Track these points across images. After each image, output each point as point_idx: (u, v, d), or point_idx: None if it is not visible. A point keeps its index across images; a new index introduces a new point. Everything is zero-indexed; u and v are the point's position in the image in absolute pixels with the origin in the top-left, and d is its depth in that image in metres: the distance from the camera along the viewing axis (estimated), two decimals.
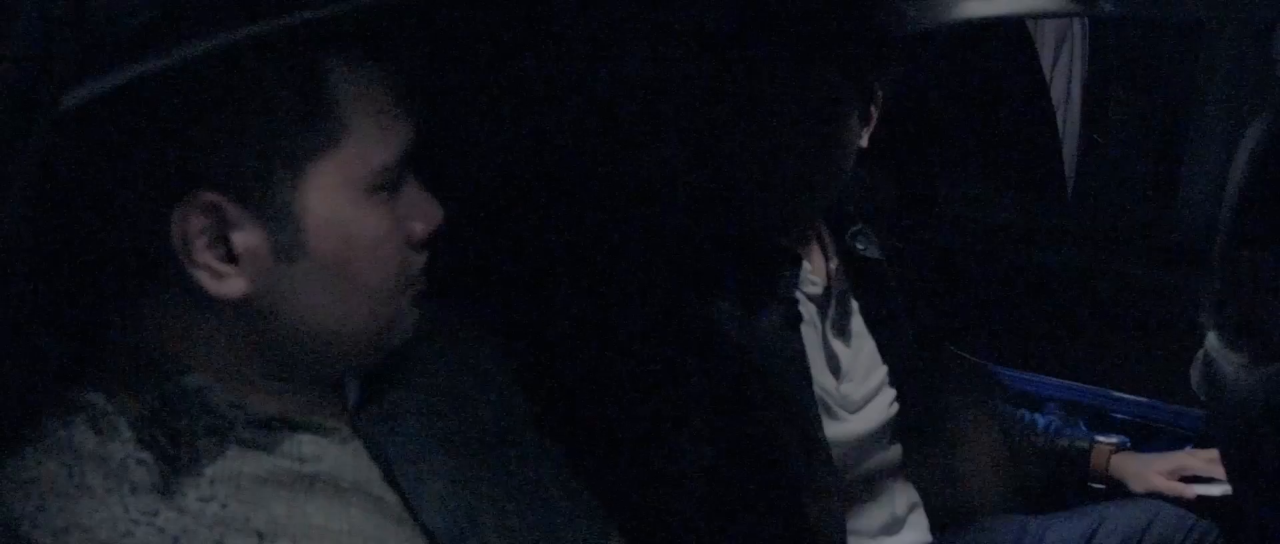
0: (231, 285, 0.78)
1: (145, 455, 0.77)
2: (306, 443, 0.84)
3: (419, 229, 0.85)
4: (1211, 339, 1.33)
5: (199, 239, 0.77)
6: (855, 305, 1.53)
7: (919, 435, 1.57)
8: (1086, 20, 3.52)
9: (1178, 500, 1.64)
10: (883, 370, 1.54)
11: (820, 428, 1.41)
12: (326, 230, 0.79)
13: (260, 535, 0.79)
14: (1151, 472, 1.68)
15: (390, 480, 0.88)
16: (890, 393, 1.54)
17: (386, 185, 0.82)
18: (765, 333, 1.38)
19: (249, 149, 0.76)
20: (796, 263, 1.44)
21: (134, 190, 0.76)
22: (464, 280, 0.94)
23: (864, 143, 1.43)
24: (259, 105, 0.76)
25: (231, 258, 0.78)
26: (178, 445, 0.78)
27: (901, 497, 1.53)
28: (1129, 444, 1.74)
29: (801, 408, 1.40)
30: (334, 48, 0.78)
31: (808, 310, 1.45)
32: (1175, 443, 1.78)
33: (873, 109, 1.43)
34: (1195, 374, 1.43)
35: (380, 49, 0.82)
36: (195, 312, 0.80)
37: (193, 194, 0.75)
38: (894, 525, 1.52)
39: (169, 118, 0.74)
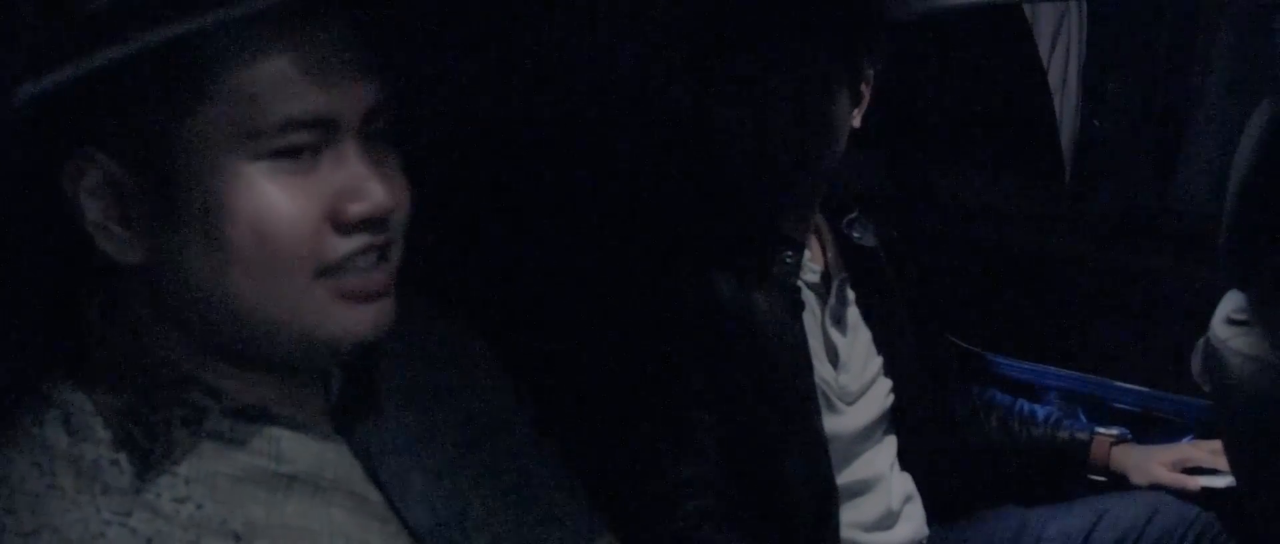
0: (124, 250, 0.76)
1: (119, 455, 0.76)
2: (285, 440, 0.82)
3: (351, 210, 0.77)
4: (1216, 329, 1.31)
5: (93, 199, 0.75)
6: (852, 295, 1.52)
7: (915, 426, 1.56)
8: (1084, 4, 3.51)
9: (1180, 492, 1.62)
10: (879, 361, 1.54)
11: (820, 418, 1.40)
12: (201, 194, 0.74)
13: (237, 537, 0.78)
14: (1153, 463, 1.67)
15: (373, 478, 0.86)
16: (887, 383, 1.53)
17: (287, 152, 0.76)
18: (767, 321, 1.37)
19: (125, 109, 0.73)
20: (798, 250, 1.43)
21: (32, 155, 0.75)
22: (455, 268, 0.91)
23: (856, 123, 1.43)
24: (124, 57, 0.71)
25: (128, 223, 0.76)
26: (154, 439, 0.76)
27: (897, 489, 1.52)
28: (1130, 435, 1.73)
29: (801, 398, 1.39)
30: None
31: (807, 299, 1.45)
32: (1176, 434, 1.77)
33: (864, 88, 1.43)
34: (1196, 364, 1.42)
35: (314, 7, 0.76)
36: (145, 294, 0.78)
37: (79, 150, 0.74)
38: (890, 518, 1.51)
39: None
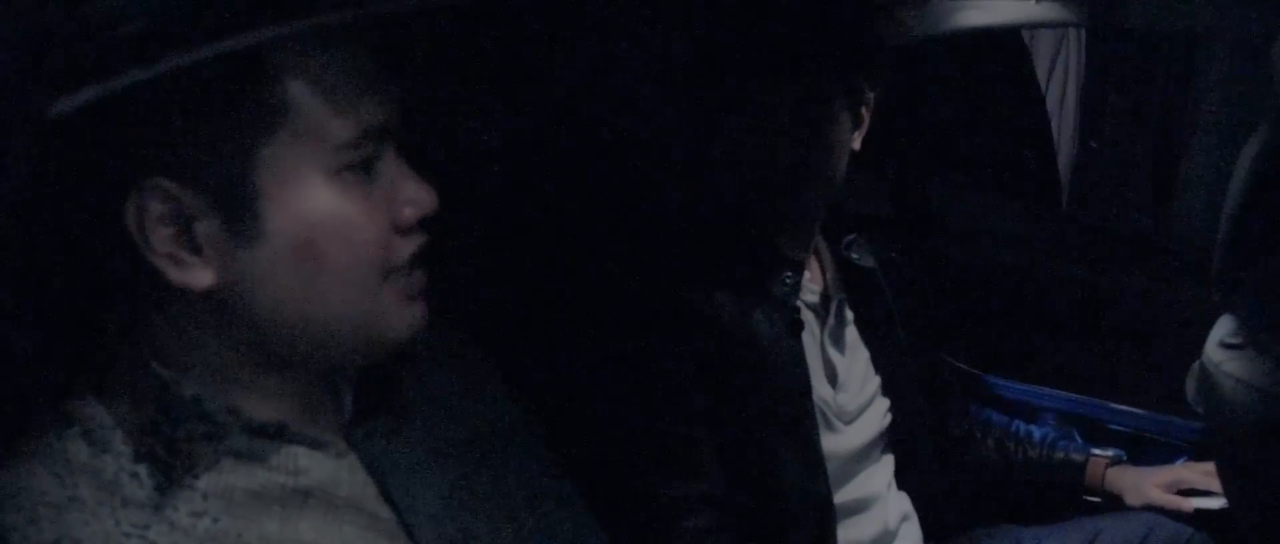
0: (196, 276, 0.77)
1: (139, 469, 0.77)
2: (302, 456, 0.83)
3: (407, 213, 0.82)
4: (1209, 353, 1.32)
5: (159, 229, 0.76)
6: (850, 315, 1.53)
7: (912, 446, 1.57)
8: (1083, 30, 3.53)
9: (1174, 513, 1.63)
10: (877, 381, 1.54)
11: (818, 437, 1.41)
12: (284, 212, 0.77)
13: None
14: (1148, 484, 1.68)
15: (384, 495, 0.87)
16: (884, 403, 1.54)
17: (354, 166, 0.79)
18: (766, 340, 1.38)
19: (194, 133, 0.75)
20: (798, 270, 1.44)
21: (89, 186, 0.76)
22: (458, 284, 0.92)
23: (856, 146, 1.43)
24: (200, 90, 0.74)
25: (197, 249, 0.77)
26: (174, 454, 0.78)
27: (894, 508, 1.53)
28: (1125, 457, 1.74)
29: (800, 416, 1.39)
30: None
31: (806, 319, 1.45)
32: (1171, 456, 1.77)
33: (864, 111, 1.43)
34: (1191, 386, 1.42)
35: (332, 32, 0.79)
36: (186, 312, 0.79)
37: (144, 182, 0.74)
38: (887, 537, 1.51)
39: (116, 109, 0.72)
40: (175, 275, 0.77)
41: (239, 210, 0.76)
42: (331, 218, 0.78)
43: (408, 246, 0.83)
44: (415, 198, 0.82)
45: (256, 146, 0.76)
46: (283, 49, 0.76)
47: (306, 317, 0.80)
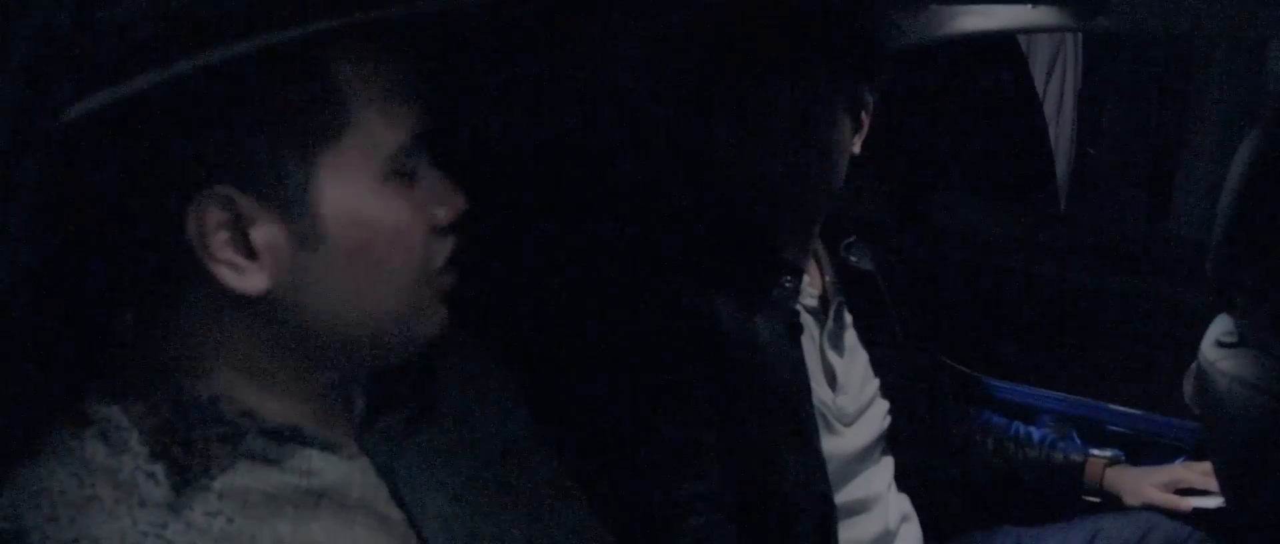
0: (253, 280, 0.79)
1: (155, 469, 0.78)
2: (316, 459, 0.84)
3: (442, 214, 0.85)
4: (1205, 351, 1.33)
5: (217, 235, 0.77)
6: (849, 318, 1.53)
7: (912, 448, 1.57)
8: (1079, 35, 3.54)
9: (1173, 513, 1.64)
10: (876, 383, 1.54)
11: (818, 439, 1.41)
12: (344, 218, 0.79)
13: None
14: (1146, 484, 1.68)
15: (395, 498, 0.88)
16: (883, 406, 1.54)
17: (402, 171, 0.82)
18: (766, 344, 1.38)
19: (257, 142, 0.77)
20: (798, 274, 1.44)
21: (146, 192, 0.77)
22: (464, 287, 0.93)
23: (856, 150, 1.43)
24: (262, 99, 0.76)
25: (251, 253, 0.78)
26: (191, 454, 0.78)
27: (895, 509, 1.53)
28: (1123, 457, 1.74)
29: (800, 419, 1.40)
30: (334, 38, 0.78)
31: (805, 322, 1.46)
32: (1169, 455, 1.78)
33: (864, 116, 1.43)
34: (1188, 387, 1.43)
35: (384, 38, 0.82)
36: (218, 313, 0.81)
37: (205, 190, 0.76)
38: (887, 537, 1.51)
39: (175, 117, 0.74)
40: (232, 281, 0.78)
41: (300, 216, 0.78)
42: (385, 222, 0.81)
43: (445, 247, 0.87)
44: (450, 200, 0.86)
45: (316, 153, 0.78)
46: (341, 58, 0.78)
47: (358, 318, 0.83)
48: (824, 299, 1.51)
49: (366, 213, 0.80)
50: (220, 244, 0.77)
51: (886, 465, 1.55)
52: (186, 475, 0.78)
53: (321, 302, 0.81)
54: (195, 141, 0.76)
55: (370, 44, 0.80)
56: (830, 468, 1.41)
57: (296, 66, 0.77)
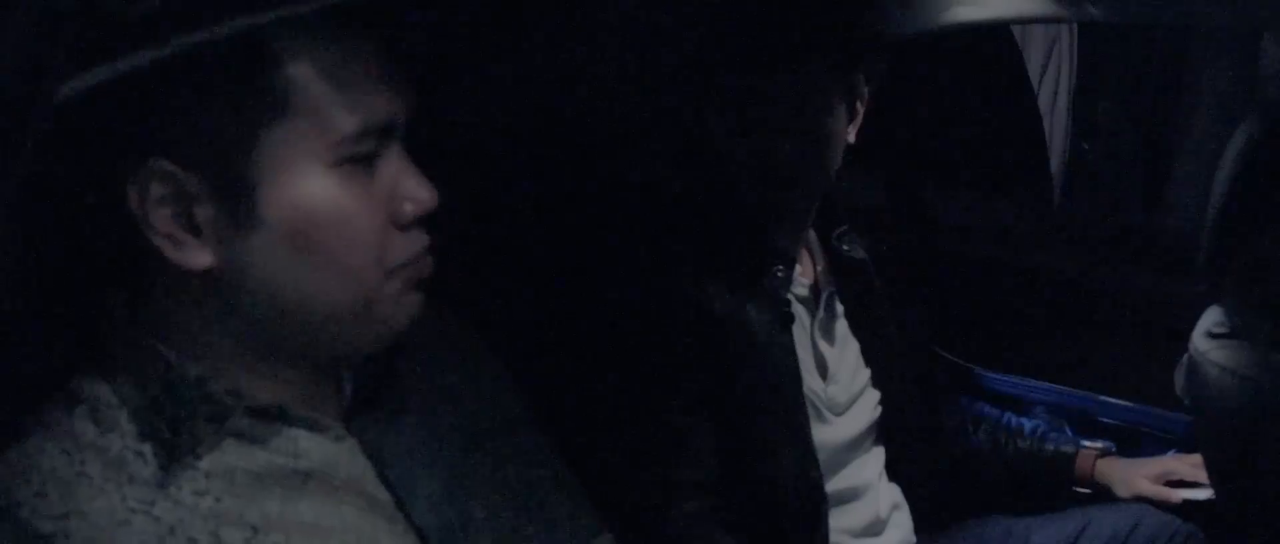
0: (195, 256, 0.78)
1: (144, 448, 0.78)
2: (303, 439, 0.85)
3: (407, 210, 0.83)
4: (1196, 343, 1.33)
5: (159, 209, 0.77)
6: (840, 308, 1.54)
7: (903, 438, 1.57)
8: (1074, 27, 3.54)
9: (1163, 504, 1.64)
10: (867, 373, 1.55)
11: (809, 427, 1.42)
12: (284, 201, 0.78)
13: (254, 530, 0.80)
14: (1137, 476, 1.69)
15: (383, 478, 0.88)
16: (875, 395, 1.54)
17: (355, 158, 0.80)
18: (758, 334, 1.39)
19: (200, 119, 0.76)
20: (790, 263, 1.44)
21: (91, 166, 0.77)
22: (456, 271, 0.93)
23: (851, 139, 1.43)
24: (205, 74, 0.75)
25: (197, 230, 0.78)
26: (179, 433, 0.79)
27: (886, 497, 1.54)
28: (1114, 449, 1.75)
29: (791, 407, 1.40)
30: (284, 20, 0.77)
31: (796, 311, 1.46)
32: (1160, 447, 1.78)
33: (859, 105, 1.43)
34: (1179, 379, 1.43)
35: (343, 19, 0.80)
36: (188, 295, 0.81)
37: (147, 163, 0.76)
38: (877, 525, 1.52)
39: (117, 92, 0.73)
40: (174, 255, 0.78)
41: (236, 195, 0.77)
42: (328, 209, 0.79)
43: (408, 244, 0.84)
44: (416, 195, 0.83)
45: (257, 133, 0.77)
46: (291, 37, 0.77)
47: (300, 305, 0.81)
48: (815, 288, 1.51)
49: (307, 198, 0.78)
50: (163, 219, 0.77)
51: (877, 455, 1.55)
52: (174, 454, 0.78)
53: (261, 284, 0.80)
54: (135, 113, 0.75)
55: (326, 23, 0.78)
56: (821, 457, 1.42)
57: (241, 44, 0.75)
